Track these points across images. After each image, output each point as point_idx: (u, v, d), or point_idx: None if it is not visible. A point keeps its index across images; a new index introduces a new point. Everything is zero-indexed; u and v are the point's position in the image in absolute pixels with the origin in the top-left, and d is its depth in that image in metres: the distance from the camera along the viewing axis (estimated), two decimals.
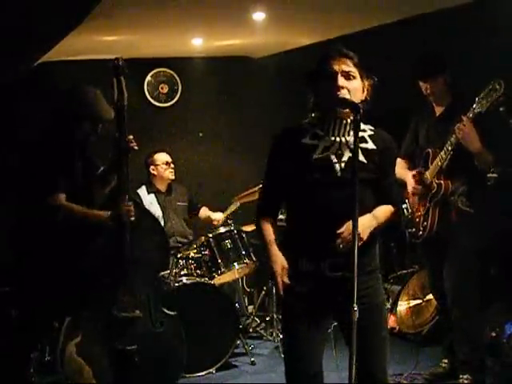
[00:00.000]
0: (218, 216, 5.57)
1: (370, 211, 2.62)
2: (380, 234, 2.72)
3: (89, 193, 3.87)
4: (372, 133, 2.68)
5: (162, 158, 5.56)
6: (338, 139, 2.59)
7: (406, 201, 4.25)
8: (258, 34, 5.54)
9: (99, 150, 3.98)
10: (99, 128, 3.86)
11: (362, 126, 2.64)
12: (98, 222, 3.68)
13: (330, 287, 2.58)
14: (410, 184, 4.09)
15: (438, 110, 4.07)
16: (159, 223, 4.37)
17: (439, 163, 3.91)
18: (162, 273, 4.85)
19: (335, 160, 2.58)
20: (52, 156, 3.71)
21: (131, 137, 3.73)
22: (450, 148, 3.84)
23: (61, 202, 3.67)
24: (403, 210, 4.25)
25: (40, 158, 3.74)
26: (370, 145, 2.64)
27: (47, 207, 3.66)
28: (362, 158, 2.59)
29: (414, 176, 4.06)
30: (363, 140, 2.63)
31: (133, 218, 3.62)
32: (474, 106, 3.69)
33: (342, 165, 2.58)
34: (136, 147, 3.76)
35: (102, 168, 3.98)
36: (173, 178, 5.59)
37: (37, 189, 3.73)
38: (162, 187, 5.59)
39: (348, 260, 2.35)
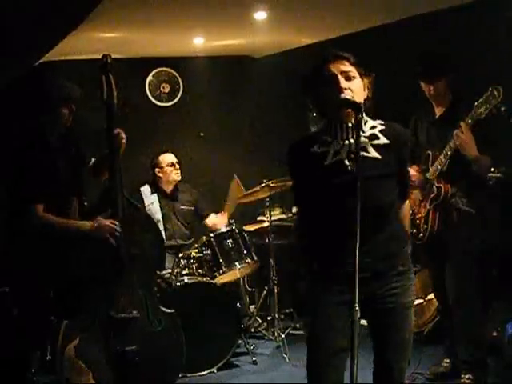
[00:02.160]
0: (224, 220, 5.47)
1: (393, 205, 2.64)
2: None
3: (78, 185, 3.87)
4: (383, 127, 2.65)
5: (167, 159, 5.47)
6: (346, 142, 2.59)
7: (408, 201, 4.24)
8: (259, 33, 5.54)
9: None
10: (73, 110, 3.81)
11: (372, 123, 2.64)
12: (78, 233, 3.67)
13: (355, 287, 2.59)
14: (413, 175, 4.09)
15: (439, 111, 4.06)
16: (154, 222, 4.36)
17: (439, 166, 3.91)
18: (163, 272, 4.86)
19: (347, 162, 2.58)
20: (28, 165, 3.68)
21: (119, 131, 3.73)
22: (449, 152, 3.85)
23: (37, 215, 3.63)
24: None
25: (17, 168, 3.72)
26: (383, 140, 2.61)
27: (24, 219, 3.66)
28: (375, 154, 2.58)
29: (417, 170, 4.06)
30: (374, 137, 2.61)
31: (118, 234, 3.62)
32: (473, 112, 3.68)
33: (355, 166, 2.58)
34: (124, 140, 3.75)
35: (92, 160, 3.98)
36: (179, 179, 5.50)
37: (15, 198, 3.73)
38: (168, 189, 5.50)
39: (374, 260, 2.47)
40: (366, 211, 2.30)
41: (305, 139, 2.71)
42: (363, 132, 2.60)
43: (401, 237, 2.70)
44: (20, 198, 3.68)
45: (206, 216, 5.63)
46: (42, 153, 3.71)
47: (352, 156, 2.56)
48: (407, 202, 2.83)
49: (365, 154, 2.56)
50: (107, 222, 3.64)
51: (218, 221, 5.55)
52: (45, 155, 3.71)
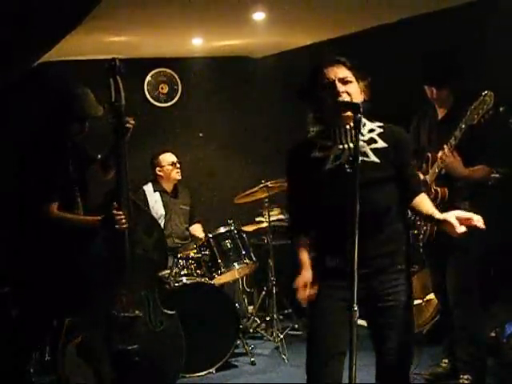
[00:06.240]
0: (201, 235, 5.53)
1: (393, 209, 2.64)
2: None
3: (84, 186, 3.93)
4: (381, 130, 2.67)
5: (167, 158, 5.55)
6: (346, 146, 2.61)
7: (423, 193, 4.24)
8: (258, 33, 5.54)
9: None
10: (86, 126, 3.92)
11: (370, 126, 2.66)
12: (88, 227, 3.71)
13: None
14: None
15: (441, 112, 4.06)
16: (158, 222, 4.38)
17: (436, 170, 3.92)
18: (162, 273, 4.85)
19: (347, 166, 2.59)
20: (44, 165, 3.76)
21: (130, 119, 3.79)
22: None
23: (52, 212, 3.72)
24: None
25: (32, 167, 3.79)
26: (381, 143, 2.64)
27: (39, 216, 3.72)
28: (374, 158, 2.60)
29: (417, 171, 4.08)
30: (373, 141, 2.64)
31: (125, 226, 3.66)
32: (466, 117, 3.68)
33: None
34: (130, 125, 3.82)
35: (99, 156, 4.05)
36: (179, 178, 5.59)
37: (29, 197, 3.78)
38: (169, 188, 5.58)
39: (374, 258, 2.56)
40: (365, 214, 2.36)
41: (304, 144, 2.73)
42: (362, 135, 2.61)
43: (400, 237, 2.71)
44: (35, 197, 3.74)
45: (192, 224, 5.71)
46: (57, 154, 3.81)
47: (351, 159, 2.56)
48: (421, 194, 2.77)
49: (365, 158, 2.58)
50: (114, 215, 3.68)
51: (199, 231, 5.64)
52: (59, 157, 3.82)
